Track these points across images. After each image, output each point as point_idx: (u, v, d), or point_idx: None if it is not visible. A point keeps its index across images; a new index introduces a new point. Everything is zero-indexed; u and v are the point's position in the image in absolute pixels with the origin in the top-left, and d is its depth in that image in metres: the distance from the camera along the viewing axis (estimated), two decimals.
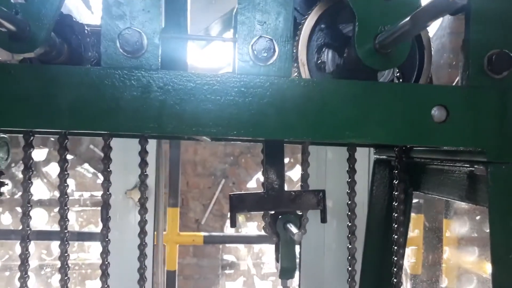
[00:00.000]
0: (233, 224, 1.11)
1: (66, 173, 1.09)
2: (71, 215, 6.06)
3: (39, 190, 6.17)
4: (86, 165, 6.12)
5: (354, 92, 0.80)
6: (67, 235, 1.11)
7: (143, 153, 1.10)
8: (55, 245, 6.17)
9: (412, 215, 3.90)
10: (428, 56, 0.87)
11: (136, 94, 0.76)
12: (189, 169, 5.96)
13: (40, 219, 6.11)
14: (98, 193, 6.24)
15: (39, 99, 0.76)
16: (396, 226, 1.19)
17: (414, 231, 3.84)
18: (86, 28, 0.92)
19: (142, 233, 1.10)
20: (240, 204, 1.10)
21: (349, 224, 1.14)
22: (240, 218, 6.73)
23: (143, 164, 1.11)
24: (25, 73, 0.76)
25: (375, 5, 0.79)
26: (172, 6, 1.34)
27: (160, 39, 0.77)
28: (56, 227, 6.25)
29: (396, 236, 1.20)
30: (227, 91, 0.78)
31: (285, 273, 1.13)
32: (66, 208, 1.10)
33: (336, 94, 0.80)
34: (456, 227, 4.46)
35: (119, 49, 0.75)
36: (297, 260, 1.15)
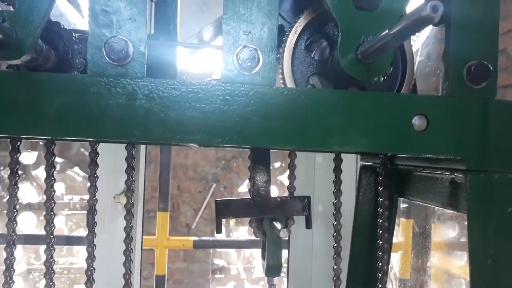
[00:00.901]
0: (219, 230, 1.12)
1: (52, 178, 1.09)
2: (60, 219, 6.02)
3: (28, 193, 6.12)
4: (76, 169, 6.08)
5: (337, 101, 0.81)
6: (53, 241, 1.11)
7: (129, 159, 1.11)
8: (43, 249, 6.12)
9: (401, 220, 3.94)
10: (410, 66, 0.89)
11: (122, 102, 0.77)
12: (180, 173, 5.95)
13: (29, 223, 6.06)
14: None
15: (26, 106, 0.76)
16: (381, 232, 1.21)
17: (403, 236, 3.87)
18: (73, 35, 0.93)
19: (128, 239, 1.10)
20: (226, 210, 1.11)
21: (335, 223, 1.15)
22: (231, 222, 6.73)
23: (130, 170, 1.11)
24: (11, 80, 0.76)
25: (358, 15, 0.81)
26: (162, 12, 1.35)
27: (146, 48, 0.78)
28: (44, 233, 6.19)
29: (381, 242, 1.21)
30: (212, 99, 0.79)
31: (271, 270, 1.14)
32: (52, 213, 1.10)
33: (320, 103, 0.81)
34: (444, 232, 4.50)
35: (105, 57, 0.76)
36: (283, 259, 1.16)
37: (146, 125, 0.78)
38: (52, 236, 1.10)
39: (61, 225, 6.29)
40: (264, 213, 1.13)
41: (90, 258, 1.10)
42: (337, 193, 1.03)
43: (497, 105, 0.83)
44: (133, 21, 0.78)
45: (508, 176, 0.83)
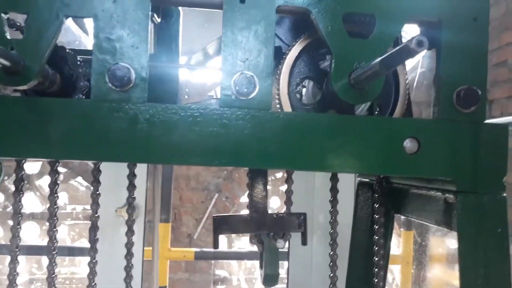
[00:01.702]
0: (216, 246, 1.14)
1: (56, 195, 1.12)
2: (63, 229, 6.04)
3: (32, 203, 6.16)
4: (79, 179, 6.12)
5: (331, 125, 0.84)
6: (55, 256, 1.13)
7: (131, 176, 1.14)
8: (46, 259, 6.14)
9: (402, 231, 3.94)
10: (403, 91, 0.92)
11: (124, 126, 0.80)
12: (182, 183, 5.98)
13: (32, 233, 6.08)
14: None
15: (32, 129, 0.80)
16: (376, 248, 1.23)
17: (404, 247, 3.87)
18: (78, 58, 0.96)
19: (129, 255, 1.13)
20: (224, 226, 1.14)
21: (331, 231, 1.17)
22: None
23: (131, 187, 1.14)
24: (18, 105, 0.80)
25: (351, 43, 0.84)
26: (164, 33, 1.39)
27: (147, 74, 0.82)
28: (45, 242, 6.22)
29: (376, 259, 1.23)
30: (210, 123, 0.82)
31: (268, 279, 1.16)
32: (55, 230, 1.13)
33: (314, 126, 0.84)
34: (445, 244, 4.49)
35: (108, 83, 0.79)
36: (281, 269, 1.18)
37: (147, 148, 0.81)
38: (54, 252, 1.13)
39: (64, 235, 6.31)
40: (261, 229, 1.15)
41: (92, 273, 1.13)
42: (334, 212, 1.05)
43: (486, 128, 0.86)
44: (135, 48, 0.81)
45: (497, 198, 0.86)
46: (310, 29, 0.94)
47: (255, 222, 1.14)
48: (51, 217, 1.13)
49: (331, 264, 1.19)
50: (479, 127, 0.86)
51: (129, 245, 1.14)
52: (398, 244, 4.31)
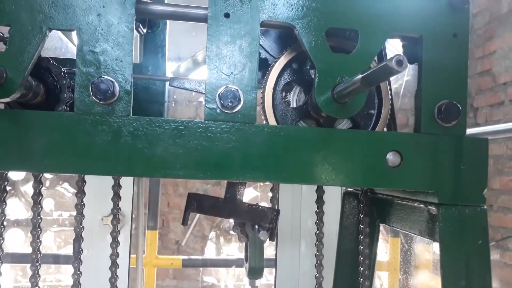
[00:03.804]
0: (185, 222, 1.14)
1: (40, 206, 1.11)
2: (49, 235, 5.94)
3: (17, 209, 6.06)
4: (65, 185, 6.05)
5: (314, 138, 0.85)
6: (38, 268, 1.12)
7: (116, 187, 1.13)
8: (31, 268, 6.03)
9: (390, 238, 3.97)
10: (385, 105, 0.94)
11: (107, 139, 0.80)
12: (170, 189, 5.94)
13: (17, 239, 5.98)
14: None
15: (14, 142, 0.79)
16: (362, 258, 1.24)
17: (392, 254, 3.89)
18: (62, 70, 0.96)
19: (114, 266, 1.12)
20: (197, 204, 1.13)
21: (317, 242, 1.16)
22: (221, 238, 6.70)
23: (116, 198, 1.13)
24: (0, 117, 0.79)
25: (334, 57, 0.85)
26: (150, 43, 1.39)
27: (132, 87, 0.81)
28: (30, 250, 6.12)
29: (362, 268, 1.24)
30: (195, 136, 0.82)
31: (253, 272, 1.16)
32: (38, 241, 1.12)
33: (298, 140, 0.85)
34: (433, 250, 4.53)
35: (92, 96, 0.79)
36: (264, 261, 1.18)
37: (130, 161, 0.81)
38: (38, 264, 1.12)
39: (50, 241, 6.22)
40: (232, 216, 1.15)
41: (76, 285, 1.11)
42: (319, 223, 1.06)
43: (467, 142, 0.88)
44: (120, 61, 0.81)
45: (478, 210, 0.87)
46: (295, 42, 0.95)
47: (227, 208, 1.13)
48: (34, 228, 1.12)
49: (317, 275, 1.19)
50: (460, 141, 0.87)
51: (114, 256, 1.13)
52: (386, 250, 4.33)
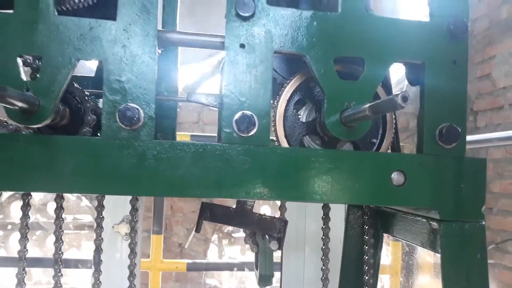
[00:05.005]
0: (198, 229, 1.20)
1: (61, 230, 1.17)
2: (52, 239, 6.00)
3: (20, 213, 6.12)
4: None
5: (323, 159, 0.91)
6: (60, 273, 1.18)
7: (133, 201, 1.20)
8: (34, 270, 6.10)
9: (391, 241, 4.03)
10: (387, 137, 1.00)
11: (132, 162, 0.86)
12: None
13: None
14: (81, 216, 6.22)
15: (45, 165, 0.85)
16: (366, 268, 1.30)
17: (393, 258, 3.95)
18: (86, 93, 1.02)
19: (132, 276, 1.18)
20: (210, 213, 1.19)
21: (323, 247, 1.22)
22: (224, 241, 6.76)
23: (134, 211, 1.20)
24: (32, 142, 0.85)
25: (341, 84, 0.92)
26: (164, 61, 1.45)
27: (154, 113, 0.88)
28: (36, 252, 6.19)
29: (366, 277, 1.30)
30: (213, 158, 0.88)
31: (263, 280, 1.23)
32: (59, 274, 1.17)
33: (308, 160, 0.91)
34: (433, 253, 4.58)
35: (118, 122, 0.85)
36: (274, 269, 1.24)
37: (153, 183, 0.87)
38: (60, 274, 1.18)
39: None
40: (242, 225, 1.22)
41: None
42: (325, 239, 1.12)
43: (466, 162, 0.94)
44: (144, 89, 0.87)
45: (477, 225, 0.94)
46: (304, 67, 1.01)
47: (238, 218, 1.20)
48: (57, 240, 1.18)
49: (322, 278, 1.25)
50: (460, 161, 0.93)
51: (132, 267, 1.19)
52: (387, 253, 4.40)
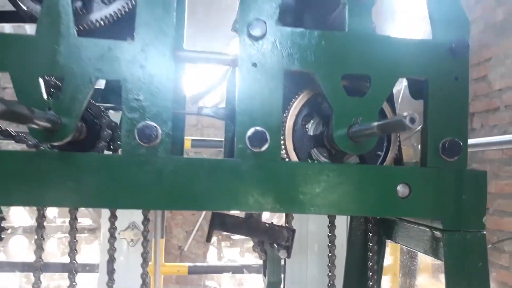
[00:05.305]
0: (209, 239, 1.24)
1: (75, 240, 1.21)
2: (52, 242, 5.99)
3: (20, 216, 6.14)
4: None
5: (331, 173, 0.96)
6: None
7: (146, 211, 1.23)
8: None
9: (390, 243, 4.08)
10: (392, 149, 1.04)
11: (151, 177, 0.90)
12: None
13: (21, 247, 6.06)
14: (82, 220, 6.24)
15: (66, 181, 0.89)
16: (370, 274, 1.34)
17: (391, 259, 4.01)
18: (102, 109, 1.06)
19: (145, 285, 1.22)
20: (220, 223, 1.23)
21: (329, 254, 1.26)
22: (223, 243, 6.79)
23: (146, 221, 1.23)
24: (55, 159, 0.89)
25: (349, 101, 0.96)
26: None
27: (171, 129, 0.92)
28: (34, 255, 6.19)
29: (371, 283, 1.35)
30: (228, 173, 0.93)
31: (272, 286, 1.27)
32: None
33: (317, 174, 0.95)
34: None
35: (137, 140, 0.89)
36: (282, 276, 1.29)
37: (171, 197, 0.91)
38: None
39: (53, 248, 6.29)
40: (252, 234, 1.26)
41: None
42: (332, 246, 1.16)
43: (468, 174, 0.98)
44: (161, 107, 0.91)
45: (478, 235, 0.98)
46: (311, 82, 1.05)
47: (248, 227, 1.24)
48: (71, 272, 1.21)
49: (329, 285, 1.29)
50: (462, 174, 0.98)
51: (144, 275, 1.23)
52: (386, 254, 4.44)
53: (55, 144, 0.91)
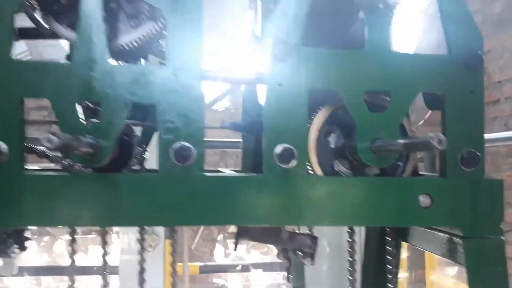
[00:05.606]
0: (235, 248, 1.30)
1: (105, 251, 1.25)
2: (60, 244, 6.02)
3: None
4: None
5: (354, 185, 1.00)
6: None
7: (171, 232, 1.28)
8: (44, 277, 6.17)
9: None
10: (411, 160, 1.09)
11: (186, 195, 0.95)
12: None
13: (30, 250, 6.11)
14: None
15: (105, 201, 0.93)
16: (390, 277, 1.39)
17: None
18: (133, 129, 1.10)
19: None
20: (246, 233, 1.29)
21: (350, 259, 1.31)
22: (228, 242, 6.86)
23: (173, 232, 1.28)
24: (94, 181, 0.94)
25: (371, 116, 1.01)
26: None
27: (204, 149, 0.96)
28: (44, 258, 6.26)
29: (390, 285, 1.40)
30: (259, 188, 0.97)
31: None
32: None
33: (340, 187, 1.00)
34: None
35: (173, 160, 0.93)
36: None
37: (204, 213, 0.96)
38: None
39: (62, 250, 6.35)
40: (276, 243, 1.31)
41: None
42: (352, 252, 1.21)
43: (485, 183, 1.03)
44: (194, 128, 0.96)
45: (496, 241, 1.03)
46: (332, 97, 1.09)
47: (271, 236, 1.29)
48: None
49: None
50: (479, 183, 1.03)
51: (174, 284, 1.28)
52: None
53: (96, 166, 0.95)
